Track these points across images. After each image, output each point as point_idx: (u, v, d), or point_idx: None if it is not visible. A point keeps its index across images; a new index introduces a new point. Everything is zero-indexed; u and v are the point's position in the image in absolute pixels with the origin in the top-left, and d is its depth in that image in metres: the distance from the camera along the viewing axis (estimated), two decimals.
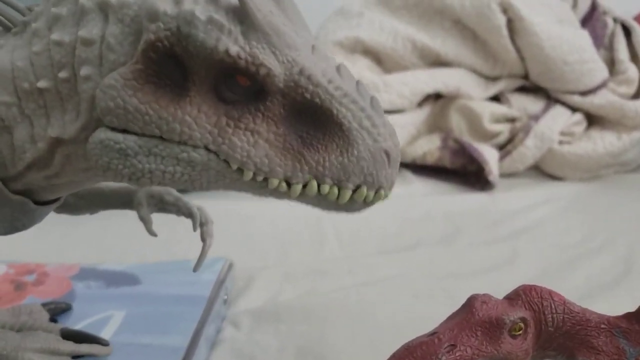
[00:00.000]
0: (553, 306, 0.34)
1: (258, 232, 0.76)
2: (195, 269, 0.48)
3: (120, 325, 0.50)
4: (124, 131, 0.30)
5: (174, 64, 0.30)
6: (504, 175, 0.94)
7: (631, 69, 1.01)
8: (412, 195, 0.89)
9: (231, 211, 0.79)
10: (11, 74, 0.33)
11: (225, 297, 0.57)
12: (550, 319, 0.33)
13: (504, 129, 0.97)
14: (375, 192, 0.31)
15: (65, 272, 0.58)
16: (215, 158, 0.30)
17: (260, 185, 0.31)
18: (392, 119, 0.99)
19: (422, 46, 1.03)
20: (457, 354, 0.30)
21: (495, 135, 0.97)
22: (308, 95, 0.30)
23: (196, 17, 0.29)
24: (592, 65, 0.98)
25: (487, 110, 0.98)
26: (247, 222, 0.78)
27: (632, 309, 0.35)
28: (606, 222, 0.78)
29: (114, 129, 0.30)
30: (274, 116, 0.30)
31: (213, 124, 0.30)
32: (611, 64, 1.04)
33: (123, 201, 0.49)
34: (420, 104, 1.03)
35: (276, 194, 0.31)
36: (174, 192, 0.50)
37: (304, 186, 0.31)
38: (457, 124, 0.99)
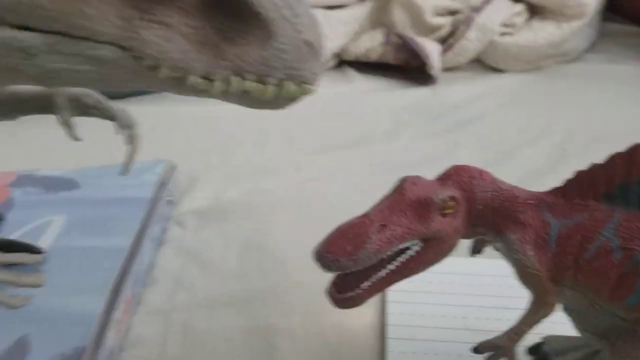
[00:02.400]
0: (482, 184, 0.34)
1: (200, 134, 0.75)
2: (123, 173, 0.47)
3: (60, 230, 0.50)
4: (26, 29, 0.28)
5: None
6: (447, 69, 0.94)
7: None
8: (356, 93, 0.88)
9: (170, 114, 0.77)
10: None
11: (170, 198, 0.57)
12: (480, 197, 0.34)
13: (445, 22, 0.96)
14: (300, 86, 0.29)
15: (2, 180, 0.56)
16: (124, 54, 0.28)
17: (178, 83, 0.29)
18: (334, 15, 0.97)
19: None
20: (387, 233, 0.31)
21: (437, 28, 0.96)
22: None
23: None
24: None
25: (429, 4, 0.96)
26: (187, 125, 0.76)
27: None
28: (545, 111, 0.79)
29: (16, 27, 0.28)
30: (188, 7, 0.28)
31: (119, 16, 0.27)
32: None
33: (41, 105, 0.46)
34: None
35: (196, 91, 0.29)
36: (94, 94, 0.47)
37: (227, 83, 0.29)
38: (399, 18, 0.98)
